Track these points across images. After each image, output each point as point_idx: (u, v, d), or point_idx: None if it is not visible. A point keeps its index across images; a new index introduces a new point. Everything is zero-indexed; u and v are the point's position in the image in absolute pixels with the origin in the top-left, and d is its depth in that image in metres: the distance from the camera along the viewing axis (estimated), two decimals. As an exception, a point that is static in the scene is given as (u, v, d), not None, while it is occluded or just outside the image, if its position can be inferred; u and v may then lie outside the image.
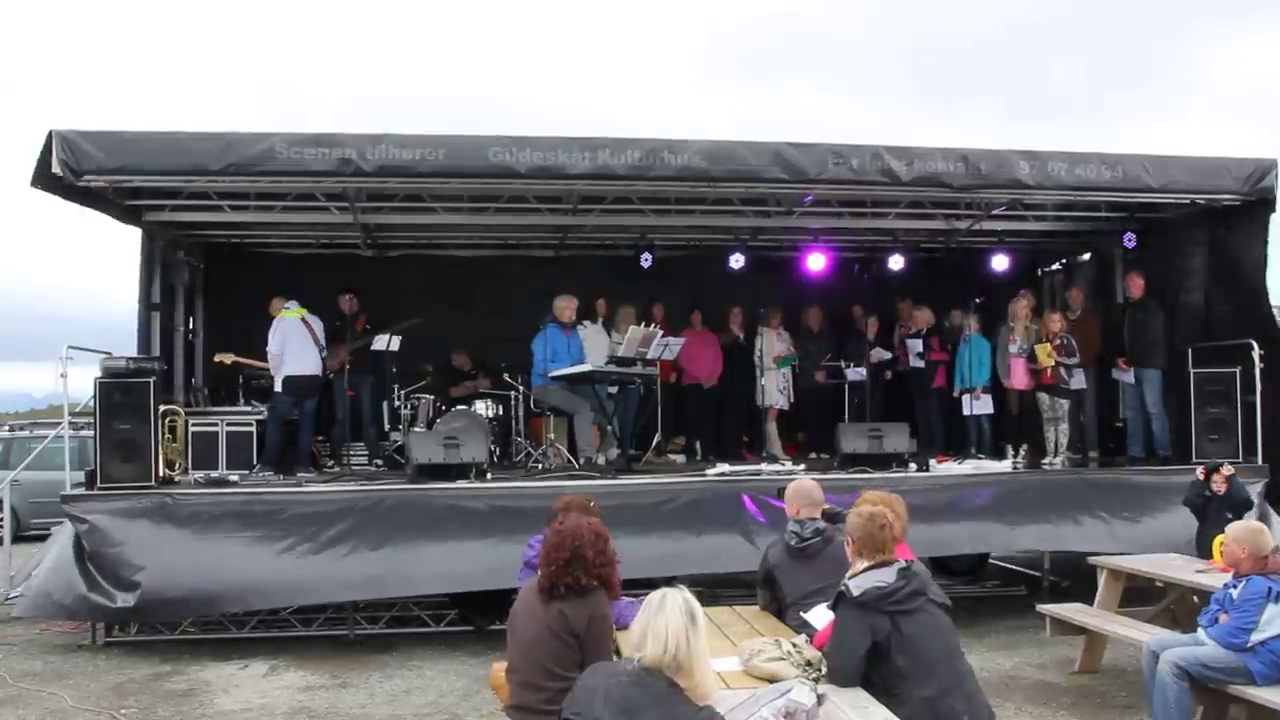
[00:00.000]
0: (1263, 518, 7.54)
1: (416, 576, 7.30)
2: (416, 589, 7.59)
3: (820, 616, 4.08)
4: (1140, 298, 9.56)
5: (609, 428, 9.48)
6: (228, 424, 8.88)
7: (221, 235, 10.25)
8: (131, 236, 9.11)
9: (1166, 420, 9.23)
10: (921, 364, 10.49)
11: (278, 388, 9.00)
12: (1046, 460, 9.20)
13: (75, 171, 7.18)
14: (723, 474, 8.34)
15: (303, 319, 9.11)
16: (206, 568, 7.06)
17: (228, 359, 9.56)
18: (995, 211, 9.61)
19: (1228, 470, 7.04)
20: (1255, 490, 7.95)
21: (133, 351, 8.74)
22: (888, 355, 10.63)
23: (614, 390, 9.62)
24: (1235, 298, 9.12)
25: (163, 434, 8.15)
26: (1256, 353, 8.67)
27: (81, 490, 7.54)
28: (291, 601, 7.42)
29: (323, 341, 9.22)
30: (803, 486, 4.91)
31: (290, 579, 7.14)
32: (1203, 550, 6.56)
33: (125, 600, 6.98)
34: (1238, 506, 6.80)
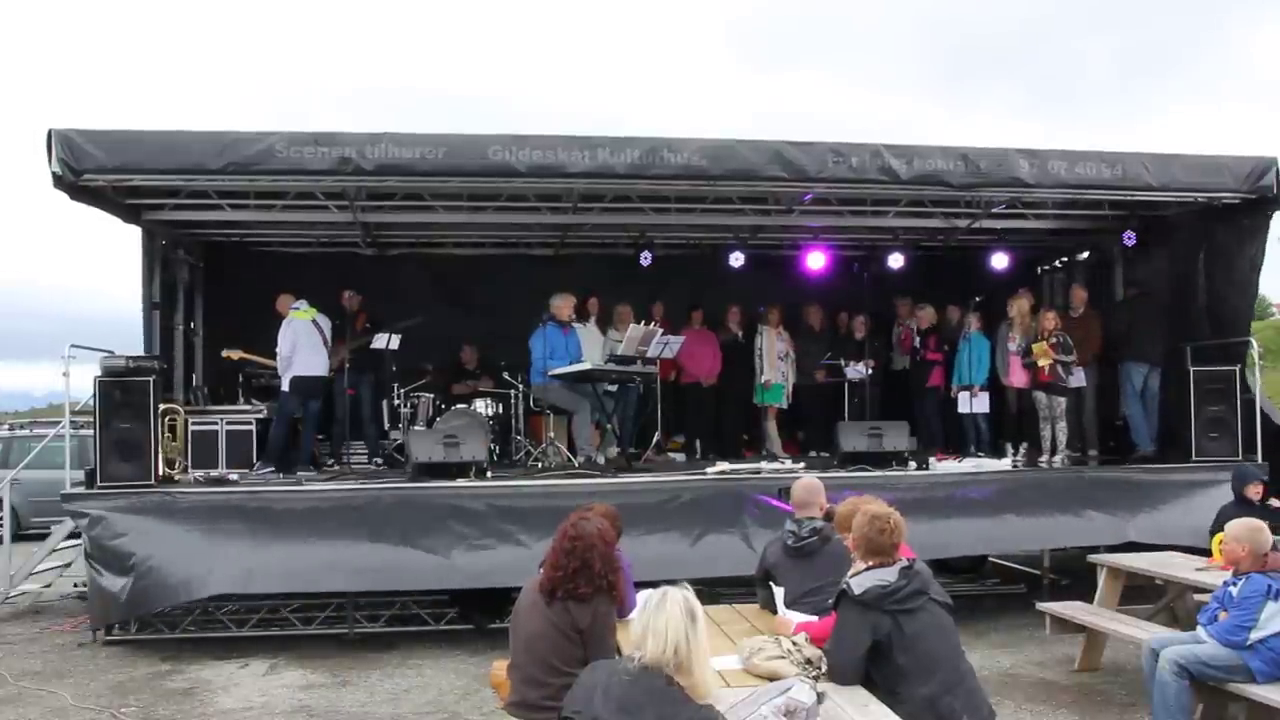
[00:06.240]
0: None
1: (415, 571, 7.28)
2: (415, 584, 7.57)
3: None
4: (1126, 298, 9.62)
5: (608, 426, 9.48)
6: (227, 423, 8.88)
7: (221, 234, 10.24)
8: (134, 235, 9.13)
9: (1144, 416, 9.30)
10: (906, 364, 10.67)
11: (285, 387, 9.00)
12: (1043, 459, 9.21)
13: (75, 170, 7.20)
14: (722, 472, 8.34)
15: (313, 320, 9.12)
16: (204, 559, 7.08)
17: (235, 354, 9.57)
18: (995, 210, 9.61)
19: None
20: None
21: (136, 350, 8.74)
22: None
23: (612, 388, 9.62)
24: (1234, 295, 9.14)
25: (162, 433, 8.16)
26: (1256, 350, 8.70)
27: (81, 489, 7.56)
28: (287, 587, 7.39)
29: (330, 343, 9.23)
30: (801, 486, 4.94)
31: (287, 568, 7.15)
32: None
33: (122, 587, 7.01)
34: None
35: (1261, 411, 8.78)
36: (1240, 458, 8.47)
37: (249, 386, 10.02)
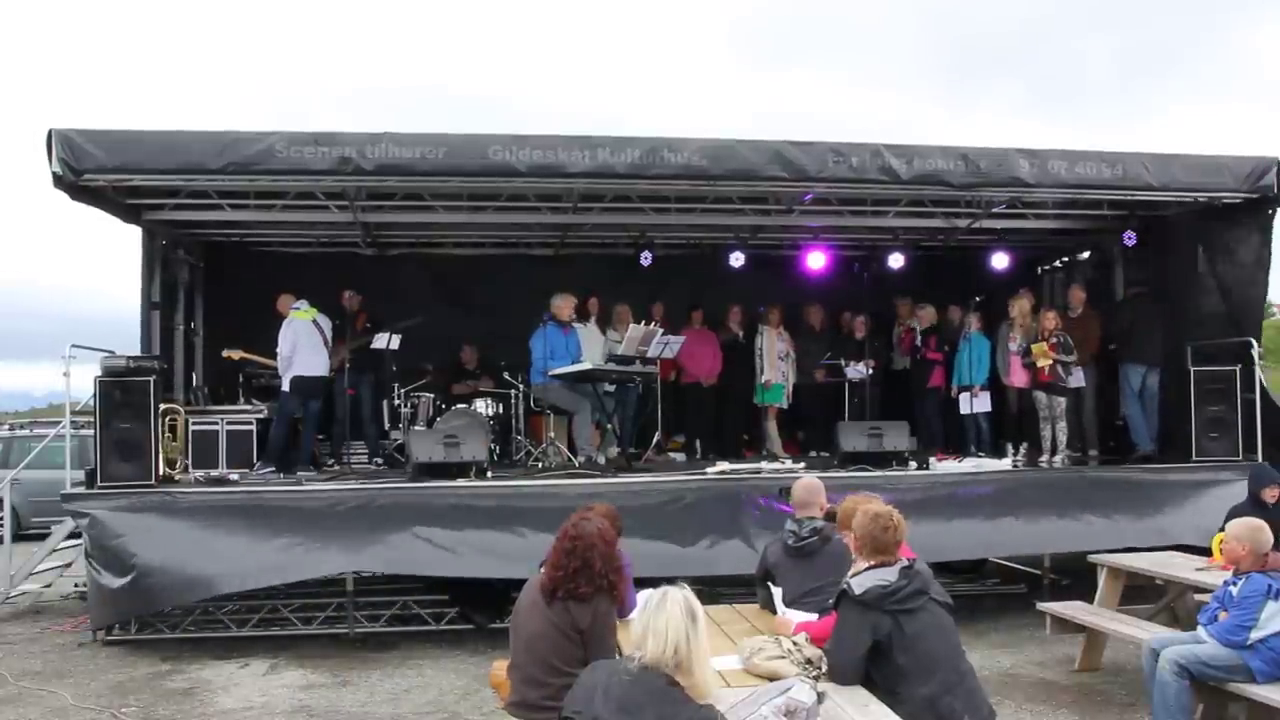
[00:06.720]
0: None
1: (415, 560, 7.26)
2: (414, 570, 7.55)
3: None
4: (1126, 298, 9.62)
5: (609, 426, 9.48)
6: (227, 423, 8.89)
7: (221, 234, 10.25)
8: (134, 235, 9.13)
9: (1144, 416, 9.31)
10: (907, 364, 10.68)
11: (285, 387, 9.01)
12: (1043, 459, 9.21)
13: (75, 170, 7.20)
14: (722, 472, 8.33)
15: (314, 320, 9.12)
16: (203, 556, 7.08)
17: (235, 354, 9.58)
18: (995, 209, 9.61)
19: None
20: None
21: (136, 350, 8.74)
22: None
23: (611, 388, 9.62)
24: (1234, 295, 9.14)
25: (163, 433, 8.16)
26: (1256, 350, 8.69)
27: (81, 489, 7.56)
28: (287, 577, 7.34)
29: (330, 343, 9.23)
30: (801, 486, 4.94)
31: (287, 560, 7.14)
32: None
33: (122, 586, 7.02)
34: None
35: (1274, 404, 8.75)
36: (1240, 458, 8.48)
37: (249, 386, 10.03)
